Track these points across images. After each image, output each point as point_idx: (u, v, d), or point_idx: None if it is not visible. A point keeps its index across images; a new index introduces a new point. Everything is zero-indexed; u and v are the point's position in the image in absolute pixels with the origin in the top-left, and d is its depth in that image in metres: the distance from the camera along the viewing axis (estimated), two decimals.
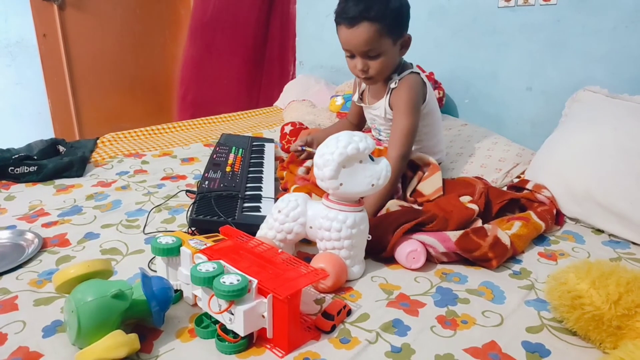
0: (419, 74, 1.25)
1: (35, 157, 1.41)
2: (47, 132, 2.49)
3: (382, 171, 0.88)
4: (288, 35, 2.64)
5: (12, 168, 1.34)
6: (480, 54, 1.78)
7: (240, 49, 2.60)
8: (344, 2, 1.16)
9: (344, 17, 1.15)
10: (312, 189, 1.15)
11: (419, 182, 1.23)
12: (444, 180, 1.24)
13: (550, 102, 1.59)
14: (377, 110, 1.30)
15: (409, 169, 1.24)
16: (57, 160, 1.41)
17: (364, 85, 1.36)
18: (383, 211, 1.09)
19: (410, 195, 1.20)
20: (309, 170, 1.29)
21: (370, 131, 1.45)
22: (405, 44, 1.21)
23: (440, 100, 1.80)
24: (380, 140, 1.37)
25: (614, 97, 1.31)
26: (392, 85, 1.23)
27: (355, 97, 1.39)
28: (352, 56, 1.20)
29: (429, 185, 1.22)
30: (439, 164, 1.32)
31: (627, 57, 1.41)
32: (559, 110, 1.45)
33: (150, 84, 2.86)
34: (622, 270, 0.73)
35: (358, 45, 1.15)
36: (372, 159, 0.88)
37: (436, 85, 1.81)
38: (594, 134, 1.20)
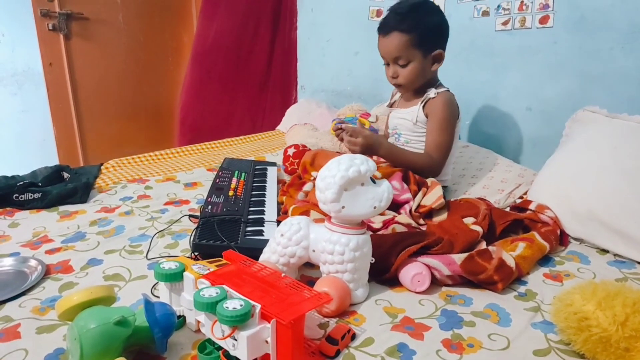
0: (453, 94, 1.35)
1: (40, 184, 1.42)
2: (51, 159, 2.52)
3: (384, 193, 0.88)
4: (290, 60, 2.68)
5: (17, 195, 1.35)
6: (479, 76, 1.80)
7: (243, 75, 2.64)
8: (386, 16, 1.31)
9: (381, 27, 1.30)
10: (312, 207, 1.16)
11: (423, 197, 1.26)
12: (447, 201, 1.26)
13: (550, 122, 1.60)
14: (407, 115, 1.38)
15: (415, 184, 1.27)
16: (62, 187, 1.41)
17: (398, 95, 1.48)
18: (389, 230, 1.09)
19: (415, 210, 1.21)
20: (307, 194, 1.30)
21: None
22: (438, 58, 1.31)
23: None
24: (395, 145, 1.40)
25: (613, 116, 1.32)
26: (431, 95, 1.33)
27: (387, 102, 1.52)
28: (387, 64, 1.35)
29: (430, 197, 1.25)
30: (445, 187, 1.35)
31: (625, 77, 1.43)
32: (560, 130, 1.46)
33: (154, 110, 2.90)
34: (627, 290, 0.72)
35: (389, 52, 1.30)
36: (374, 182, 0.89)
37: None
38: (595, 154, 1.21)
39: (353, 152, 1.29)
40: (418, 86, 1.35)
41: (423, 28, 1.26)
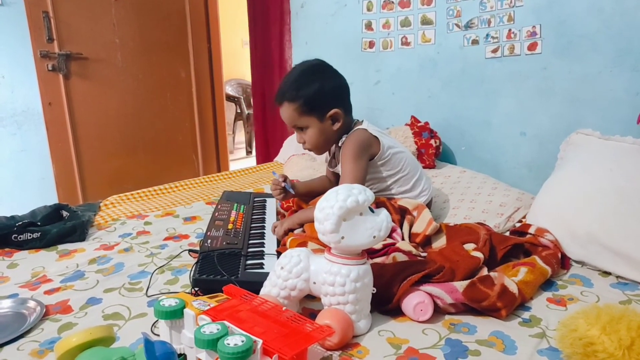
0: (365, 129, 1.33)
1: (39, 223, 1.42)
2: (51, 198, 2.52)
3: (382, 222, 0.88)
4: None
5: (16, 235, 1.35)
6: (472, 102, 1.83)
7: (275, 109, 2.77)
8: (279, 85, 1.34)
9: (275, 97, 1.34)
10: (309, 238, 1.16)
11: (411, 226, 1.26)
12: (441, 224, 1.27)
13: (545, 146, 1.62)
14: (339, 168, 1.39)
15: (397, 213, 1.28)
16: (61, 226, 1.41)
17: (333, 148, 1.47)
18: (390, 259, 1.08)
19: (410, 240, 1.21)
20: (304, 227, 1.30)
21: None
22: (336, 118, 1.32)
23: (437, 148, 1.84)
24: None
25: (606, 138, 1.34)
26: (340, 143, 1.34)
27: (327, 160, 1.50)
28: (294, 130, 1.38)
29: (420, 223, 1.26)
30: (428, 205, 1.38)
31: (614, 100, 1.45)
32: (554, 154, 1.47)
33: (153, 145, 2.93)
34: (631, 313, 0.72)
35: (286, 120, 1.34)
36: (372, 211, 0.89)
37: (432, 134, 1.85)
38: (591, 176, 1.22)
39: (279, 233, 1.29)
40: (327, 146, 1.37)
41: (307, 95, 1.27)
